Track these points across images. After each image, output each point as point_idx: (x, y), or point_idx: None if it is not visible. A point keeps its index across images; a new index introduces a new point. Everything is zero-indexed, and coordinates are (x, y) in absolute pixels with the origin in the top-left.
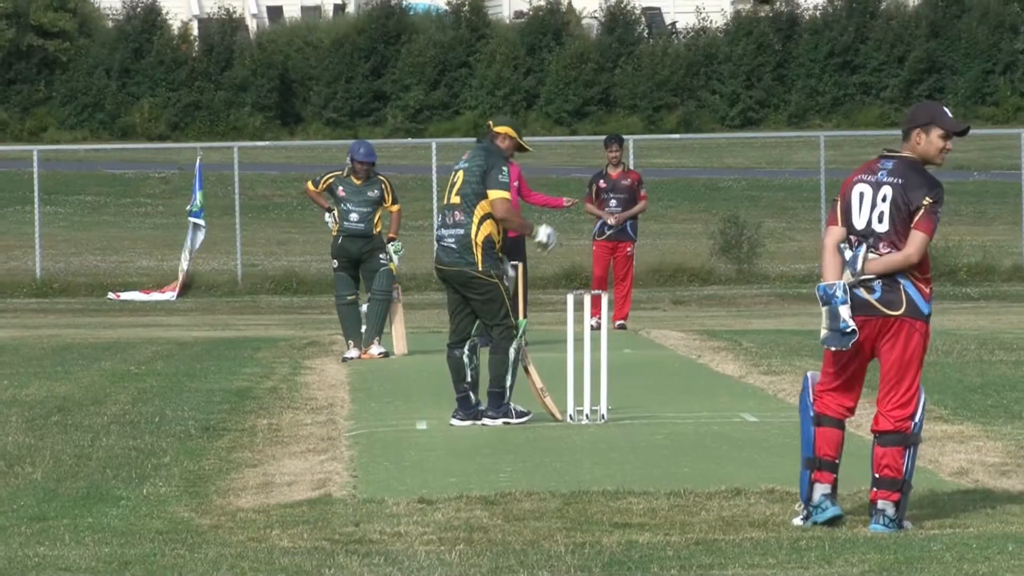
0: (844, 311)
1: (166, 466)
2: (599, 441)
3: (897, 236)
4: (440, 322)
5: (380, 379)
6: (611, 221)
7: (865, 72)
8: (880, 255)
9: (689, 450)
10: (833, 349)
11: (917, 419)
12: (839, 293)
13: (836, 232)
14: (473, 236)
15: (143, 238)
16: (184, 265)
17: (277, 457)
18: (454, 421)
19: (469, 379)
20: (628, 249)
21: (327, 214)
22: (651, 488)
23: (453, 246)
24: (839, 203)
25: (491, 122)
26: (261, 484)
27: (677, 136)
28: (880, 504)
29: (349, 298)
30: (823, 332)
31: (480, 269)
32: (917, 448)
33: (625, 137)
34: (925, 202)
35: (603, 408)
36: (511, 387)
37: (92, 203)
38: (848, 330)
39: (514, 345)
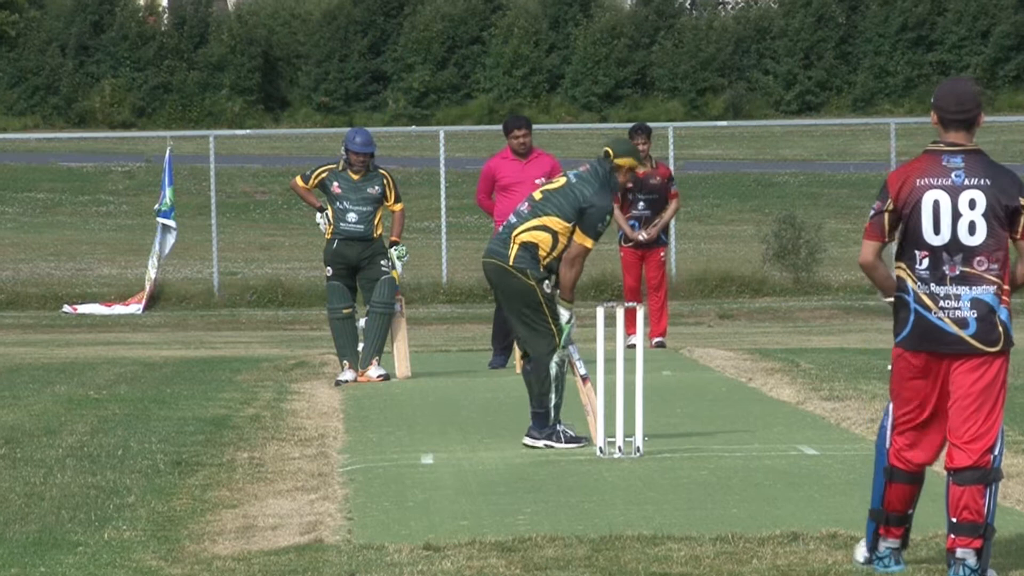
0: None
1: (131, 507)
2: (633, 477)
3: (998, 247)
4: (447, 339)
5: (379, 406)
6: (643, 238)
7: (943, 49)
8: (976, 272)
9: (738, 488)
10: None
11: (997, 451)
12: None
13: (877, 248)
14: (517, 231)
15: (104, 242)
16: (152, 273)
17: (260, 496)
18: (526, 440)
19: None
20: (661, 255)
21: (319, 214)
22: (694, 532)
23: (500, 233)
24: (887, 215)
25: (611, 149)
26: (241, 528)
27: (724, 123)
28: (960, 553)
29: (344, 311)
30: None
31: (512, 264)
32: (998, 485)
33: (665, 125)
34: (1023, 202)
35: (638, 439)
36: (557, 406)
37: (44, 201)
38: None
39: (555, 359)
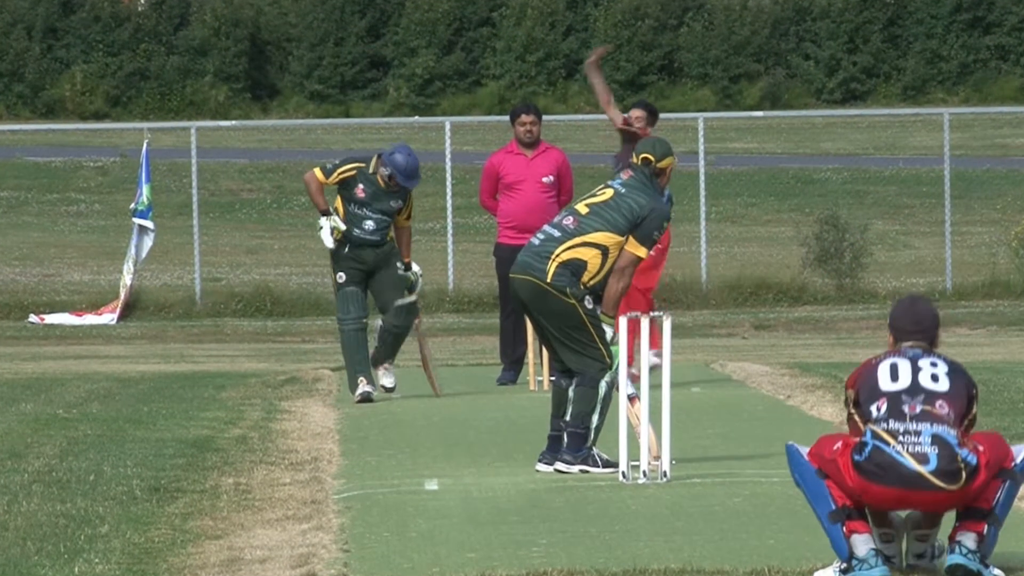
0: None
1: (104, 537)
2: (660, 505)
3: (959, 399)
4: (454, 353)
5: (378, 426)
6: None
7: (1001, 32)
8: (937, 413)
9: (775, 517)
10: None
11: (1019, 461)
12: None
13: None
14: (561, 249)
15: (74, 245)
16: (127, 279)
17: (246, 526)
18: (539, 466)
19: (568, 417)
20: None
21: (323, 219)
22: (727, 566)
23: (535, 245)
24: (855, 411)
25: (650, 154)
26: (226, 560)
27: (760, 114)
28: (959, 536)
29: (363, 321)
30: None
31: (550, 281)
32: (1016, 487)
33: (695, 115)
34: (973, 391)
35: (665, 463)
36: (598, 428)
37: (9, 200)
38: None
39: (607, 379)
